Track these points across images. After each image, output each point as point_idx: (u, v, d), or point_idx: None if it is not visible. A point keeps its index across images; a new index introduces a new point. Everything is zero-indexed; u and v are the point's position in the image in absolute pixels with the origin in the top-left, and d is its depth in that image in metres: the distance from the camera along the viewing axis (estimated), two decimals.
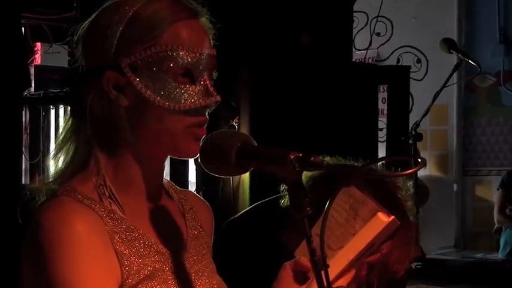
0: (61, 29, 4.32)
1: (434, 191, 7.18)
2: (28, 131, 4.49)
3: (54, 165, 1.46)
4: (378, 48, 7.58)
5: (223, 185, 4.21)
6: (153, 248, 1.43)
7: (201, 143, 1.41)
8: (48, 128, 4.51)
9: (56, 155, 1.46)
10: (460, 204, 7.73)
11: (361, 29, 6.60)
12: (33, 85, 4.55)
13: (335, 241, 1.51)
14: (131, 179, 1.45)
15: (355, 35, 5.51)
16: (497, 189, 6.87)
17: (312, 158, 1.27)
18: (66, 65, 4.60)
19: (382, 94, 5.62)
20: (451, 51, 5.40)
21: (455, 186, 7.73)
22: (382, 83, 5.25)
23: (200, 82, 1.43)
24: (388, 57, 7.67)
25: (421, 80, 7.35)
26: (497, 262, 6.64)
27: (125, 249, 1.39)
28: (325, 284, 1.26)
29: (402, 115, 5.12)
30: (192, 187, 4.25)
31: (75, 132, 1.45)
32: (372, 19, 6.49)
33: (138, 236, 1.42)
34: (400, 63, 7.54)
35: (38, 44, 4.65)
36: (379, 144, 4.94)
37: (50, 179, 1.45)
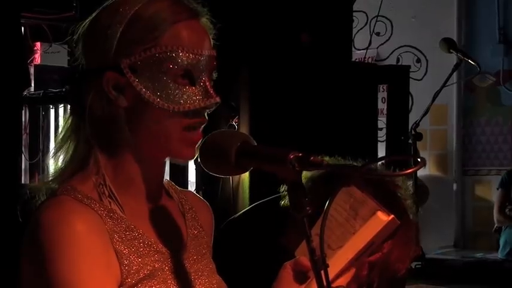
0: (61, 29, 4.32)
1: (434, 190, 7.18)
2: (28, 131, 4.50)
3: (53, 164, 1.46)
4: (377, 47, 7.57)
5: (223, 185, 4.21)
6: (153, 247, 1.43)
7: (197, 147, 1.41)
8: (48, 127, 4.52)
9: (55, 153, 1.46)
10: (459, 203, 7.73)
11: (361, 28, 6.59)
12: (32, 85, 4.55)
13: (335, 241, 1.51)
14: (131, 178, 1.45)
15: (354, 35, 5.51)
16: (497, 189, 6.87)
17: (312, 158, 1.27)
18: (65, 65, 4.60)
19: (382, 94, 5.63)
20: (451, 50, 5.40)
21: (455, 186, 7.73)
22: (381, 82, 5.26)
23: (200, 83, 1.42)
24: (388, 57, 7.67)
25: (421, 79, 7.35)
26: (497, 262, 6.63)
27: (124, 249, 1.39)
28: (324, 283, 1.26)
29: (402, 115, 5.13)
30: (191, 187, 4.26)
31: (74, 131, 1.45)
32: (372, 19, 6.49)
33: (137, 235, 1.42)
34: (399, 63, 7.53)
35: (38, 44, 4.66)
36: (379, 144, 4.94)
37: (50, 178, 1.45)
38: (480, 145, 7.68)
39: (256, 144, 1.37)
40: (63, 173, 1.44)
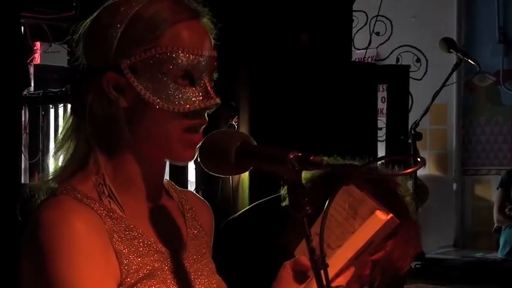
0: (60, 29, 4.32)
1: (434, 190, 7.18)
2: (27, 131, 4.49)
3: (54, 163, 1.46)
4: (377, 47, 7.57)
5: (223, 185, 4.21)
6: (153, 247, 1.43)
7: (197, 149, 1.41)
8: (48, 127, 4.51)
9: (56, 153, 1.46)
10: (459, 203, 7.73)
11: (361, 28, 6.59)
12: (32, 84, 4.55)
13: (334, 240, 1.51)
14: (131, 178, 1.45)
15: (354, 35, 5.51)
16: (497, 189, 6.87)
17: (312, 158, 1.27)
18: (65, 65, 4.60)
19: (382, 93, 5.63)
20: (451, 50, 5.39)
21: (454, 186, 7.73)
22: (381, 82, 5.26)
23: (200, 84, 1.42)
24: (388, 56, 7.67)
25: (421, 79, 7.35)
26: (497, 261, 6.63)
27: (124, 248, 1.39)
28: (324, 283, 1.26)
29: (402, 114, 5.13)
30: (191, 186, 4.26)
31: (75, 130, 1.45)
32: (372, 18, 6.49)
33: (137, 235, 1.42)
34: (399, 63, 7.53)
35: (38, 44, 4.65)
36: (379, 144, 4.94)
37: (50, 177, 1.45)
38: (480, 145, 7.68)
39: (256, 144, 1.37)
40: (63, 172, 1.44)
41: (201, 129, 1.44)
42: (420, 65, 7.62)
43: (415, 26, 7.72)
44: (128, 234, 1.41)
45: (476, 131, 7.70)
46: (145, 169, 1.45)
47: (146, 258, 1.41)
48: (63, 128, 1.47)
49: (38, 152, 4.45)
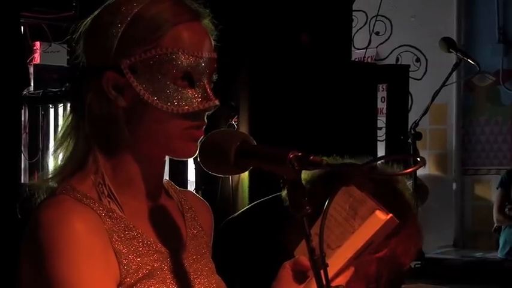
0: (60, 28, 4.32)
1: (434, 190, 7.18)
2: (27, 130, 4.50)
3: (53, 161, 1.46)
4: (377, 47, 7.57)
5: (223, 184, 4.22)
6: (152, 247, 1.43)
7: (199, 144, 1.41)
8: (48, 127, 4.52)
9: (55, 151, 1.46)
10: (459, 203, 7.73)
11: (360, 28, 6.59)
12: (32, 84, 4.55)
13: (334, 240, 1.51)
14: (130, 178, 1.45)
15: (354, 34, 5.51)
16: (497, 188, 6.87)
17: (311, 157, 1.27)
18: (65, 64, 4.60)
19: (382, 93, 5.63)
20: (450, 50, 5.40)
21: (454, 185, 7.73)
22: (381, 82, 5.26)
23: (199, 85, 1.42)
24: (387, 56, 7.66)
25: (420, 79, 7.34)
26: (497, 261, 6.63)
27: (123, 248, 1.39)
28: (324, 283, 1.26)
29: (401, 114, 5.14)
30: (191, 186, 4.26)
31: (74, 128, 1.45)
32: (371, 18, 6.49)
33: (137, 234, 1.42)
34: (399, 63, 7.53)
35: (37, 43, 4.66)
36: (378, 143, 4.95)
37: (49, 176, 1.45)
38: (480, 144, 7.68)
39: (255, 143, 1.37)
40: (62, 171, 1.44)
41: (202, 128, 1.43)
42: (420, 65, 7.62)
43: (415, 26, 7.72)
44: (127, 234, 1.41)
45: (476, 131, 7.70)
46: (145, 169, 1.45)
47: (146, 258, 1.41)
48: (63, 125, 1.47)
49: (38, 151, 4.45)
